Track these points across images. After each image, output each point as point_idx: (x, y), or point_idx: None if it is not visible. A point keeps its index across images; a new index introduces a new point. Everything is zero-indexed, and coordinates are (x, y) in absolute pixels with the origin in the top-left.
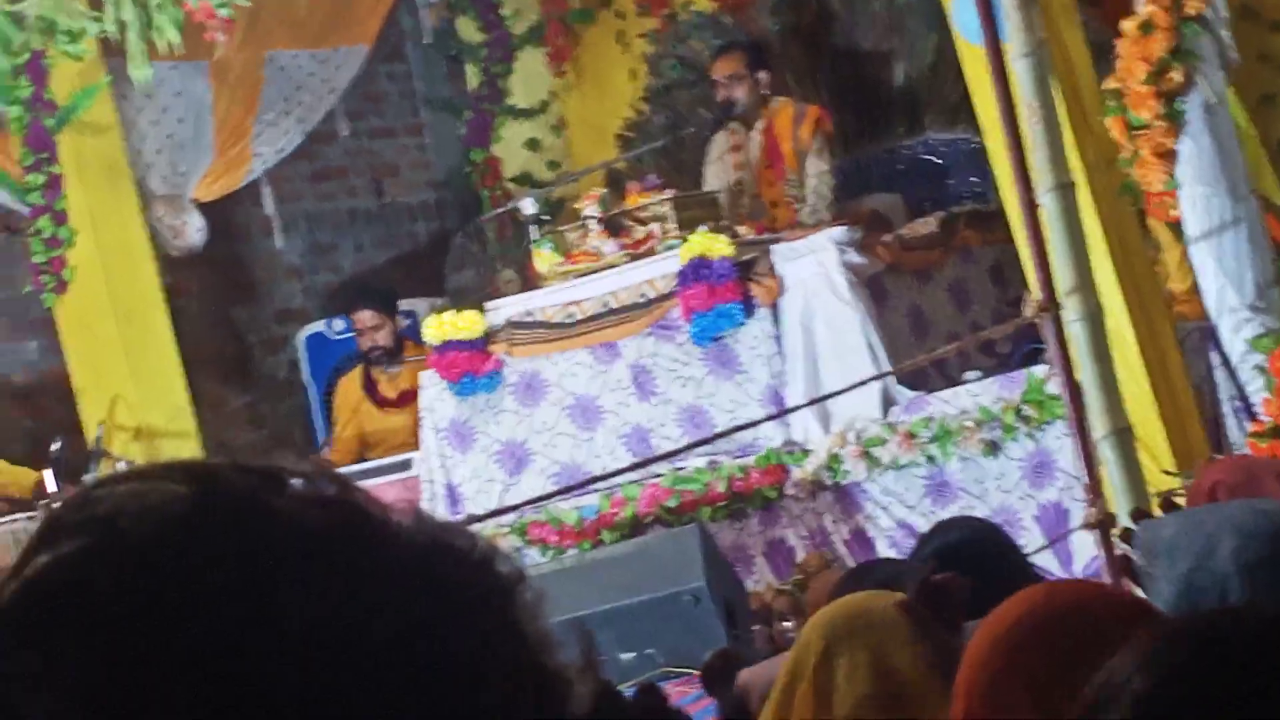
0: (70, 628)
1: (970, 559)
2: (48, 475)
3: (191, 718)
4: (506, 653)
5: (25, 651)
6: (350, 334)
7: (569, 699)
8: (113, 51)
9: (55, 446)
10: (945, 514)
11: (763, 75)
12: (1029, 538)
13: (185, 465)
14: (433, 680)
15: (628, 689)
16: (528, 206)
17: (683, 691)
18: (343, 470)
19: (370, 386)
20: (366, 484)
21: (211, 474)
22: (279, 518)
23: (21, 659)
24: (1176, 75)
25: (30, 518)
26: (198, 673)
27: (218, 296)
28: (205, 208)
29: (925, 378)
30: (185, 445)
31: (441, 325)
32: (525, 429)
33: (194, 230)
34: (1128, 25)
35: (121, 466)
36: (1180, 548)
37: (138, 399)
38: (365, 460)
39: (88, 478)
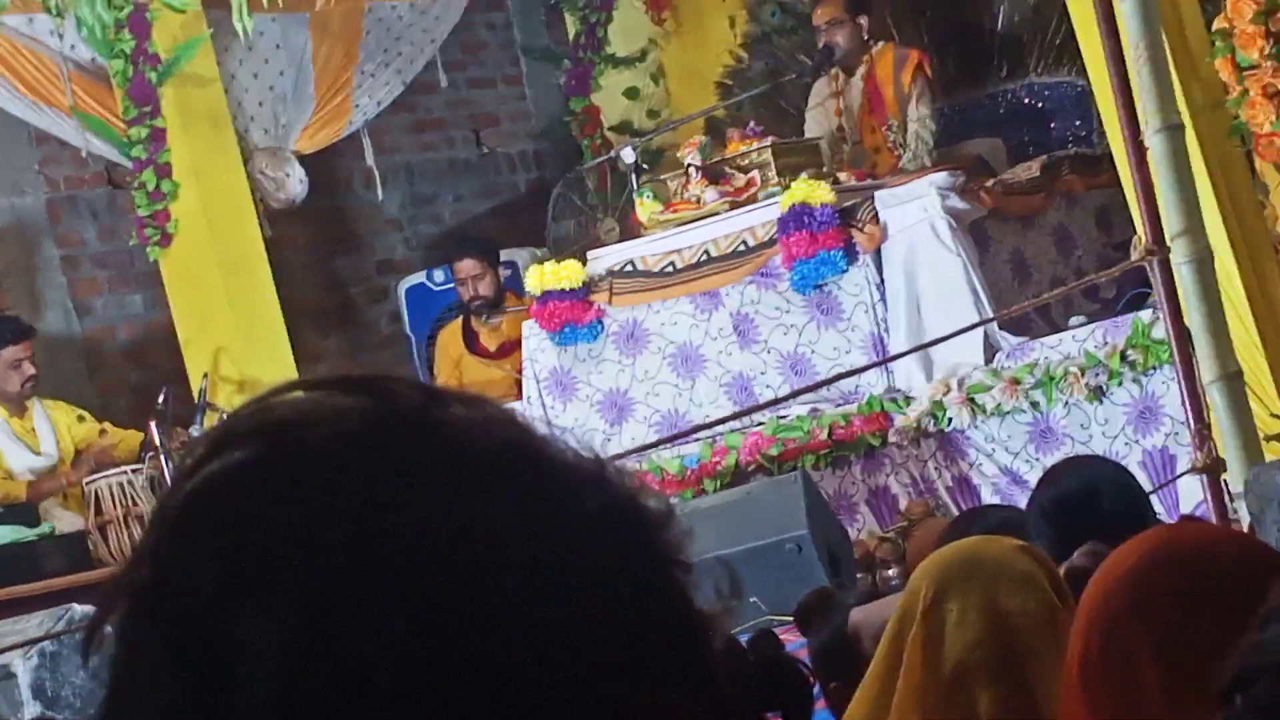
0: (246, 533)
1: (1093, 503)
2: (153, 428)
3: (382, 633)
4: (669, 580)
5: (208, 561)
6: (451, 285)
7: (712, 637)
8: (214, 3)
9: (161, 399)
10: (1050, 460)
11: (864, 20)
12: None
13: (359, 378)
14: (611, 599)
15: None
16: (628, 155)
17: (786, 640)
18: None
19: (470, 338)
20: None
21: (387, 387)
22: (455, 431)
23: (203, 568)
24: None
25: (135, 470)
26: (382, 583)
27: (319, 248)
28: (306, 160)
29: (1029, 323)
30: None
31: (543, 275)
32: (627, 378)
33: (295, 182)
34: None
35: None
36: None
37: (241, 351)
38: None
39: (193, 430)
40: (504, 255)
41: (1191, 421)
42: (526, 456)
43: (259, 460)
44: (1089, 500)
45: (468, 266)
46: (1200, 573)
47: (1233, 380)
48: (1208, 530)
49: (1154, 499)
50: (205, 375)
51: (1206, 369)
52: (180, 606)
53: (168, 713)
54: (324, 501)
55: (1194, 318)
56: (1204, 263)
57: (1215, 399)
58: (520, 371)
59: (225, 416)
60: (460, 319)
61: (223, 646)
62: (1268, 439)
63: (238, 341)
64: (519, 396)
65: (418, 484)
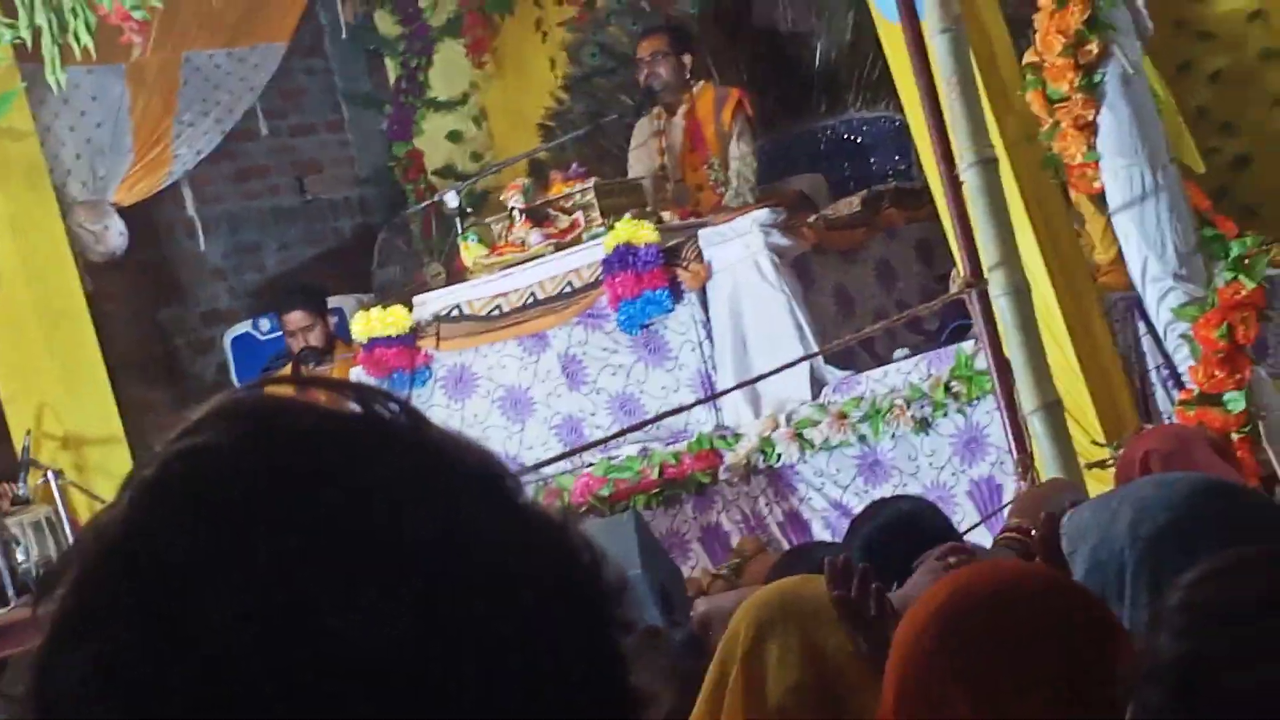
0: (224, 506)
1: (903, 538)
2: None
3: (353, 613)
4: (605, 633)
5: (199, 525)
6: (278, 333)
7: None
8: (27, 57)
9: None
10: (879, 493)
11: (687, 58)
12: (962, 513)
13: (353, 384)
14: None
15: None
16: (451, 199)
17: None
18: None
19: None
20: None
21: (376, 396)
22: (435, 444)
23: (192, 532)
24: (1093, 47)
25: None
26: (356, 567)
27: (143, 300)
28: (126, 211)
29: (854, 357)
30: (114, 451)
31: (369, 322)
32: (456, 422)
33: (116, 234)
34: None
35: (50, 476)
36: (1090, 526)
37: (65, 406)
38: None
39: (19, 488)
40: (331, 302)
41: (1014, 451)
42: (501, 488)
43: (246, 436)
44: (910, 526)
45: (296, 318)
46: (1005, 610)
47: (1052, 409)
48: (1012, 568)
49: (983, 528)
50: (28, 432)
51: (1027, 399)
52: (149, 568)
53: (110, 656)
54: (306, 484)
55: (1013, 348)
56: (1021, 294)
57: (1036, 428)
58: None
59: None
60: (289, 367)
61: (186, 613)
62: (1089, 466)
63: (61, 396)
64: None
65: (396, 481)
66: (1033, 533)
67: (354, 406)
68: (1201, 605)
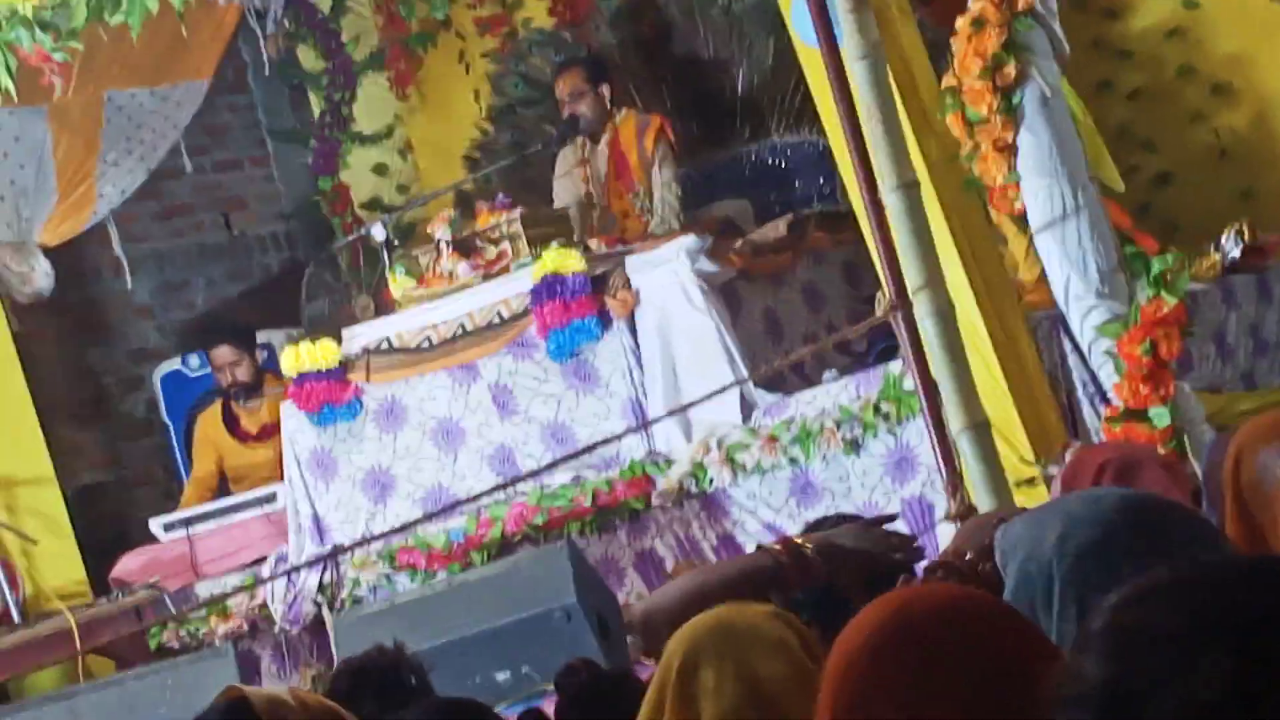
0: None
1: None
2: None
3: None
4: None
5: None
6: (207, 370)
7: None
8: None
9: None
10: (811, 514)
11: (605, 89)
12: None
13: None
14: None
15: (505, 710)
16: (378, 232)
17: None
18: (208, 506)
19: (231, 421)
20: (233, 519)
21: None
22: None
23: None
24: (1010, 69)
25: None
26: None
27: (71, 340)
28: (52, 252)
29: (784, 381)
30: (45, 491)
31: (298, 356)
32: (388, 455)
33: (41, 275)
34: (961, 22)
35: None
36: (1022, 538)
37: None
38: (230, 495)
39: None
40: (260, 337)
41: (944, 470)
42: None
43: None
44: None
45: (224, 354)
46: (937, 638)
47: (980, 429)
48: (944, 592)
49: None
50: None
51: (954, 419)
52: None
53: None
54: None
55: (940, 369)
56: (946, 315)
57: (964, 448)
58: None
59: None
60: (219, 403)
61: None
62: (1018, 484)
63: None
64: (282, 478)
65: None
66: (968, 556)
67: None
68: (1126, 628)
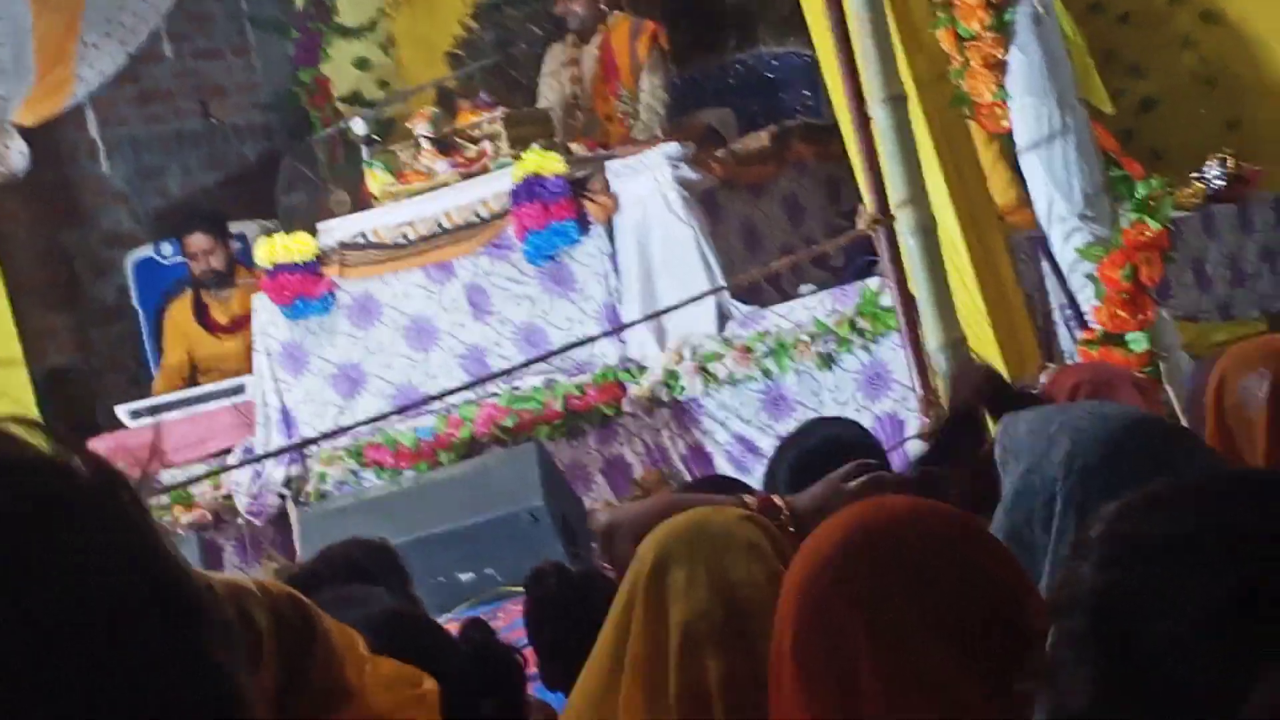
0: None
1: (833, 461)
2: None
3: None
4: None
5: None
6: (180, 259)
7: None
8: None
9: None
10: (782, 427)
11: None
12: None
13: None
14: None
15: (466, 610)
16: (358, 126)
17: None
18: (175, 395)
19: (201, 311)
20: (200, 409)
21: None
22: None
23: None
24: None
25: None
26: None
27: (44, 222)
28: (28, 133)
29: (760, 292)
30: (13, 373)
31: (272, 248)
32: (360, 351)
33: (16, 155)
34: None
35: None
36: (1025, 447)
37: None
38: (198, 385)
39: None
40: (234, 228)
41: (918, 387)
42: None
43: None
44: (839, 448)
45: (198, 241)
46: (914, 544)
47: (957, 346)
48: (927, 505)
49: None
50: None
51: (931, 335)
52: None
53: None
54: None
55: (919, 285)
56: (928, 232)
57: (940, 364)
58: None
59: None
60: (191, 293)
61: None
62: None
63: None
64: (251, 370)
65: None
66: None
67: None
68: (1125, 536)
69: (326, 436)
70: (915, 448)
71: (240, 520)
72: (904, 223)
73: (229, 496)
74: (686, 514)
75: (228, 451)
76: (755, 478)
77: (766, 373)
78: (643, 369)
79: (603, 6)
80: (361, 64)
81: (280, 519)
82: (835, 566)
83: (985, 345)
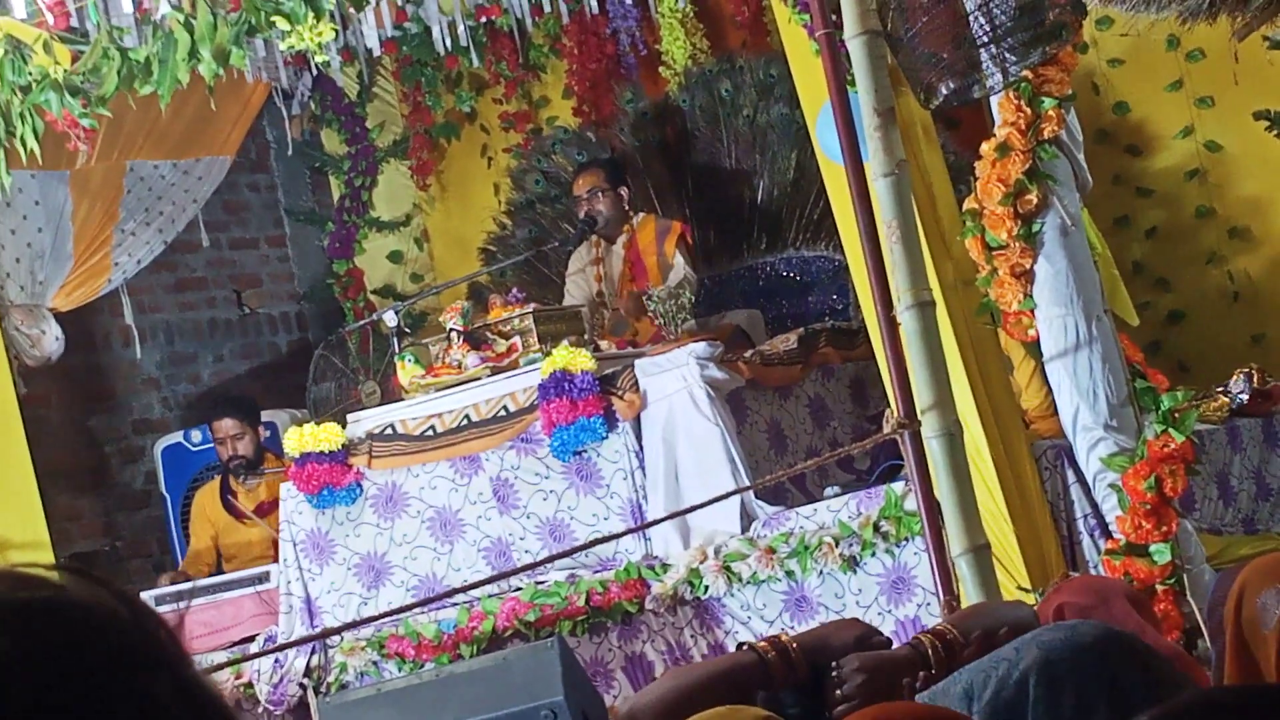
0: None
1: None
2: None
3: None
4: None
5: None
6: (209, 445)
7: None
8: None
9: None
10: (804, 629)
11: (624, 190)
12: None
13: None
14: None
15: None
16: (390, 318)
17: None
18: (200, 583)
19: (228, 498)
20: (225, 597)
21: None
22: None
23: None
24: (1033, 197)
25: None
26: None
27: (75, 406)
28: (63, 317)
29: (785, 493)
30: (39, 557)
31: (302, 437)
32: (384, 541)
33: (51, 340)
34: (985, 147)
35: None
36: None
37: None
38: (223, 573)
39: None
40: (265, 416)
41: (941, 592)
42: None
43: None
44: None
45: (227, 426)
46: None
47: (980, 553)
48: (914, 709)
49: None
50: None
51: (955, 541)
52: None
53: None
54: None
55: (944, 491)
56: (953, 437)
57: (964, 571)
58: (279, 532)
59: None
60: (218, 479)
61: None
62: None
63: None
64: (277, 558)
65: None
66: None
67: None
68: None
69: (349, 627)
70: None
71: (261, 709)
72: (930, 427)
73: (250, 685)
74: (706, 715)
75: (250, 640)
76: None
77: (790, 574)
78: (666, 566)
79: (627, 208)
80: (395, 257)
81: (300, 708)
82: None
83: (1008, 552)
